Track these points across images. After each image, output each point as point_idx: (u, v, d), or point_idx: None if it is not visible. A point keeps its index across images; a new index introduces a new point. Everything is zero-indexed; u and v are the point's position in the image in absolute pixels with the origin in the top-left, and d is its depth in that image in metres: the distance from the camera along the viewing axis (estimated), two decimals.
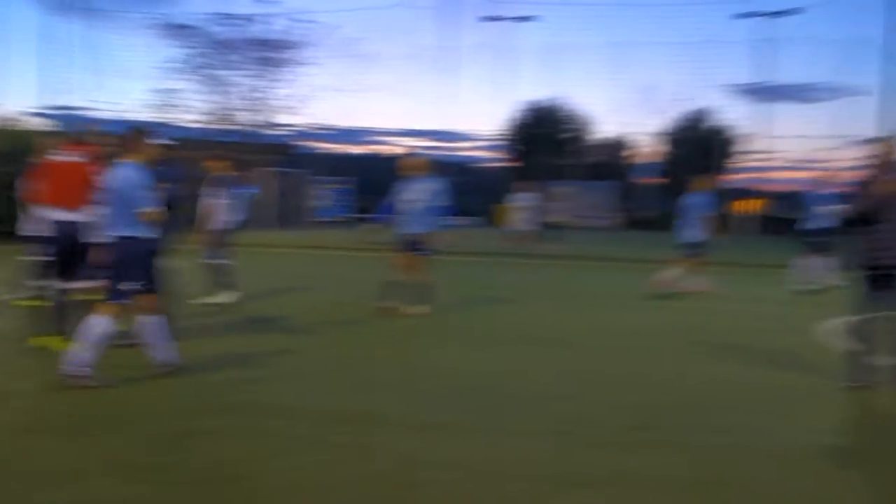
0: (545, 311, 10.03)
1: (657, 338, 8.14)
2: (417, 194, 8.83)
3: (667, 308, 10.52)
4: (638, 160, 45.89)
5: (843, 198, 12.17)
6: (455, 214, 10.64)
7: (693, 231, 11.64)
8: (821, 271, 12.27)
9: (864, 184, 5.91)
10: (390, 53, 56.00)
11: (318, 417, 4.82)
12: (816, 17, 40.89)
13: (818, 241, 12.09)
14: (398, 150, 43.92)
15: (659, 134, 44.91)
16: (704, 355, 7.25)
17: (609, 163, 43.89)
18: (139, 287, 5.43)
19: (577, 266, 17.29)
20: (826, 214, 11.73)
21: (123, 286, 5.36)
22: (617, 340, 7.94)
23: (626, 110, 60.99)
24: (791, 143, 47.67)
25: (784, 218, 31.87)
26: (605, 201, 40.09)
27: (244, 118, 38.50)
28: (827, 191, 12.16)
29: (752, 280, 14.99)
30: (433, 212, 8.85)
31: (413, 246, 8.90)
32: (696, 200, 11.72)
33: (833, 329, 8.55)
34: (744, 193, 45.41)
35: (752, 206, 41.86)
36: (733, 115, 69.09)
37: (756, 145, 41.38)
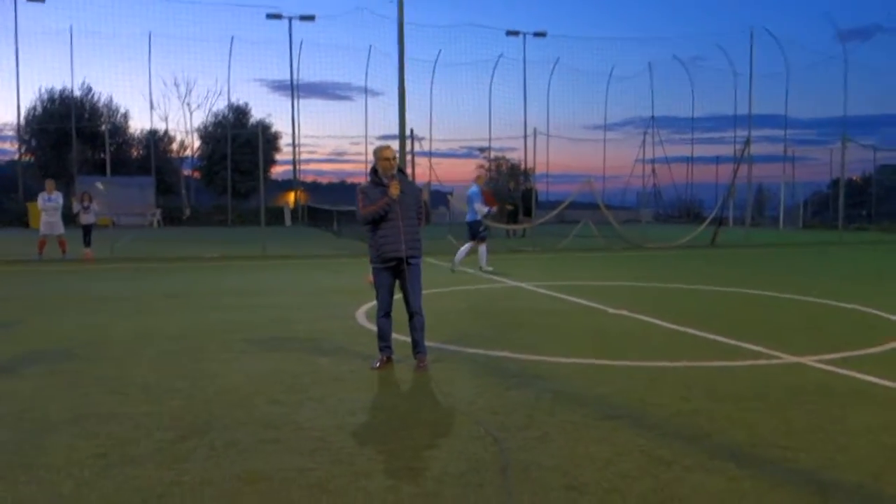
0: (73, 322, 9.16)
1: (199, 339, 8.04)
2: None
3: (212, 308, 10.44)
4: (176, 155, 44.72)
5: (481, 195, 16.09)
6: None
7: None
8: (464, 255, 15.51)
9: (370, 187, 6.59)
10: None
11: None
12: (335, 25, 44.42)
13: (473, 232, 15.51)
14: None
15: (198, 128, 44.39)
16: (249, 352, 7.39)
17: (146, 157, 41.96)
18: None
19: (111, 271, 16.16)
20: (476, 209, 15.39)
21: None
22: (157, 346, 7.63)
23: (163, 104, 58.84)
24: (326, 138, 51.18)
25: (322, 209, 34.18)
26: (143, 197, 38.25)
27: None
28: (478, 189, 15.79)
29: (300, 271, 15.78)
30: None
31: None
32: None
33: (365, 313, 9.49)
34: (287, 186, 47.50)
35: (298, 197, 44.00)
36: (271, 110, 71.67)
37: (295, 139, 43.54)
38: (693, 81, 48.38)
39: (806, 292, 12.05)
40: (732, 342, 7.83)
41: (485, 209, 15.86)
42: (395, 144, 25.04)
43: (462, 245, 16.03)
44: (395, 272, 6.59)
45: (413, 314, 6.62)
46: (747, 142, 26.86)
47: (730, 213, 36.24)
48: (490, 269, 15.55)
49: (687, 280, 13.97)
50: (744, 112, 42.15)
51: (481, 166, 44.06)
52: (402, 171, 6.77)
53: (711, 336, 8.17)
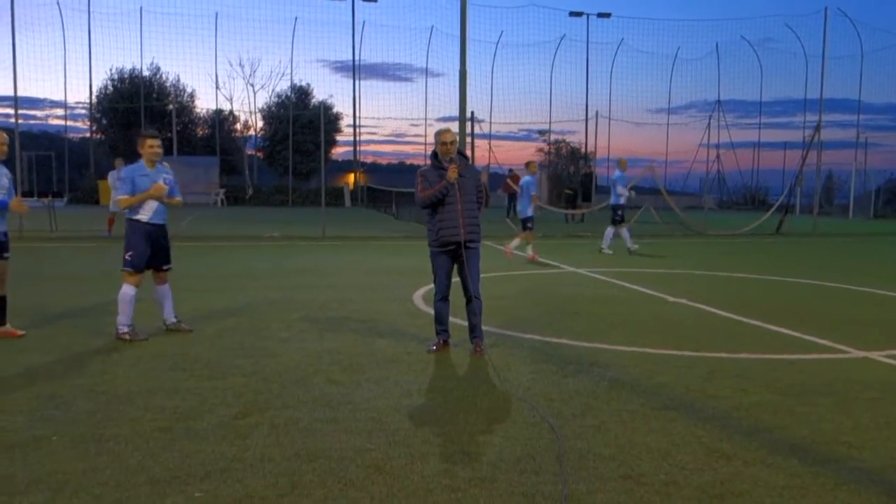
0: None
1: (259, 318, 8.21)
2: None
3: (272, 287, 10.64)
4: (240, 135, 45.52)
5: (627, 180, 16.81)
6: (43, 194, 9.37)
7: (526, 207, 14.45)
8: (614, 239, 16.47)
9: (430, 170, 6.61)
10: None
11: None
12: (397, 5, 44.48)
13: (617, 215, 16.26)
14: None
15: (262, 109, 45.05)
16: (308, 331, 7.51)
17: (211, 137, 42.80)
18: None
19: (176, 249, 16.60)
20: (621, 193, 16.18)
21: None
22: (218, 323, 7.82)
23: (228, 84, 59.86)
24: (387, 119, 51.37)
25: (381, 190, 34.40)
26: (207, 177, 39.06)
27: None
28: (622, 173, 16.43)
29: (358, 252, 15.95)
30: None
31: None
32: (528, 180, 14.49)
33: (422, 296, 9.55)
34: (347, 167, 47.95)
35: (358, 178, 44.40)
36: (333, 91, 72.19)
37: (355, 120, 43.86)
38: (762, 64, 47.00)
39: (874, 284, 11.65)
40: (797, 334, 7.63)
41: (625, 192, 16.23)
42: (454, 126, 25.00)
43: (609, 230, 16.57)
44: (454, 256, 6.60)
45: (471, 298, 6.62)
46: (818, 127, 25.97)
47: (797, 200, 35.21)
48: (610, 251, 16.23)
49: (750, 269, 13.65)
50: (814, 96, 40.71)
51: (540, 150, 43.72)
52: (462, 154, 6.75)
53: (774, 327, 7.97)
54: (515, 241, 14.91)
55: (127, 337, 7.00)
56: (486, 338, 6.81)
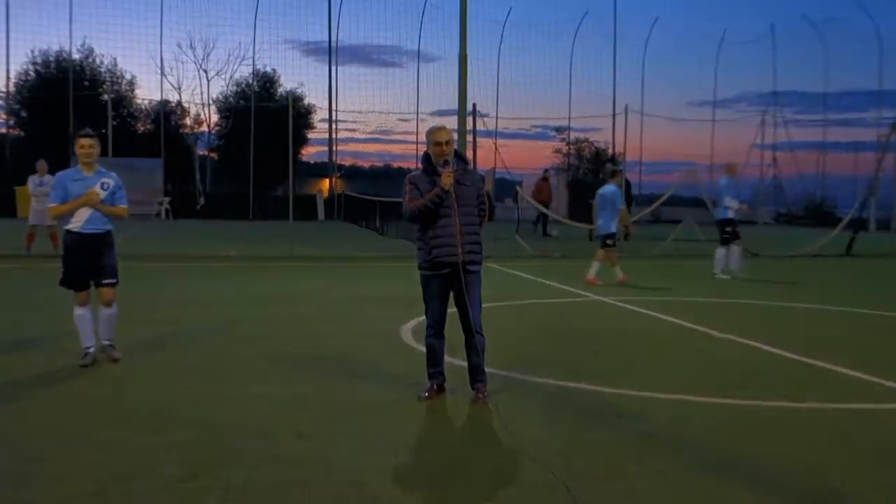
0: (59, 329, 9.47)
1: (212, 357, 8.22)
2: None
3: (228, 319, 10.64)
4: (190, 131, 45.64)
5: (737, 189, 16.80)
6: None
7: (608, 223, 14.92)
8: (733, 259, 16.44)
9: (420, 176, 6.65)
10: None
11: None
12: None
13: (727, 232, 16.30)
14: None
15: (217, 100, 45.19)
16: (272, 373, 7.52)
17: (155, 134, 42.88)
18: None
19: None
20: (726, 203, 16.21)
21: None
22: (160, 363, 7.82)
23: (176, 69, 60.08)
24: (370, 113, 51.51)
25: (363, 200, 34.49)
26: (150, 183, 39.09)
27: None
28: (730, 180, 16.68)
29: (335, 276, 15.96)
30: None
31: None
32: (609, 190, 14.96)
33: (412, 330, 9.56)
34: (320, 171, 48.00)
35: (335, 185, 44.45)
36: (304, 78, 72.28)
37: (331, 114, 44.01)
38: (827, 48, 47.38)
39: None
40: (873, 379, 7.64)
41: (735, 203, 16.34)
42: (452, 123, 25.13)
43: (720, 251, 16.62)
44: (450, 281, 6.60)
45: (471, 334, 6.63)
46: (895, 124, 26.15)
47: (871, 214, 35.33)
48: (725, 276, 16.25)
49: (815, 298, 13.69)
50: (891, 87, 41.07)
51: (557, 151, 43.98)
52: (460, 156, 6.80)
53: (846, 370, 7.99)
54: (595, 266, 15.11)
55: (87, 361, 7.53)
56: (491, 381, 6.82)
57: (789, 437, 5.82)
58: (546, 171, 33.05)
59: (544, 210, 27.47)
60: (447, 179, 6.41)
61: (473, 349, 6.63)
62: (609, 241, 15.07)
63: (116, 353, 7.82)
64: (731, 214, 16.30)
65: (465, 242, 6.49)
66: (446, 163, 6.50)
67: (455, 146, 6.76)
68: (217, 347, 8.66)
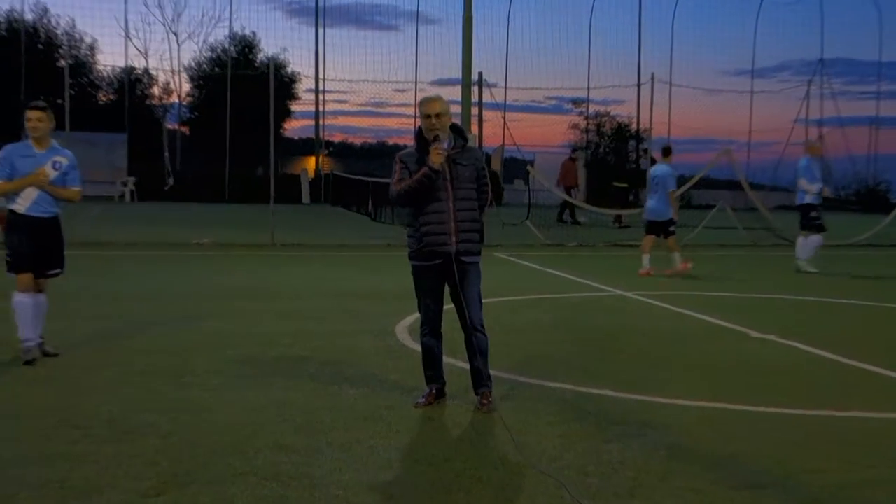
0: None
1: (181, 358, 8.21)
2: None
3: (200, 315, 10.64)
4: (158, 101, 45.55)
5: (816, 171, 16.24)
6: None
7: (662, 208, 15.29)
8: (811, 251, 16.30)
9: (411, 155, 6.59)
10: None
11: None
12: None
13: (811, 219, 16.16)
14: None
15: (189, 67, 45.10)
16: (249, 377, 7.52)
17: (118, 105, 42.80)
18: None
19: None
20: (802, 186, 16.12)
21: None
22: (124, 365, 7.82)
23: (142, 32, 59.97)
24: (362, 83, 51.25)
25: (353, 180, 34.46)
26: (112, 160, 39.02)
27: None
28: (812, 161, 16.33)
29: (321, 267, 15.96)
30: None
31: None
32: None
33: (409, 328, 9.56)
34: (306, 148, 47.93)
35: (322, 163, 44.40)
36: (287, 43, 72.09)
37: (318, 84, 43.90)
38: (881, 11, 47.24)
39: None
40: None
41: (814, 187, 16.16)
42: (455, 93, 25.06)
43: (800, 239, 16.56)
44: (443, 273, 6.57)
45: (471, 332, 6.62)
46: None
47: None
48: (810, 269, 16.11)
49: (865, 294, 13.68)
50: None
51: (575, 126, 43.91)
52: (458, 130, 6.73)
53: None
54: (677, 258, 15.39)
55: (32, 356, 7.58)
56: (497, 386, 6.82)
57: (834, 450, 5.80)
58: (574, 150, 33.03)
59: (566, 197, 27.43)
60: (436, 158, 6.33)
61: (473, 350, 6.61)
62: (671, 229, 15.42)
63: (52, 349, 7.93)
64: (809, 199, 16.16)
65: (459, 230, 6.45)
66: (437, 138, 6.42)
67: (451, 120, 6.68)
68: (187, 347, 8.65)
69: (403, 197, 6.52)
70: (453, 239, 6.44)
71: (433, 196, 6.45)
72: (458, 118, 22.30)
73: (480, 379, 6.66)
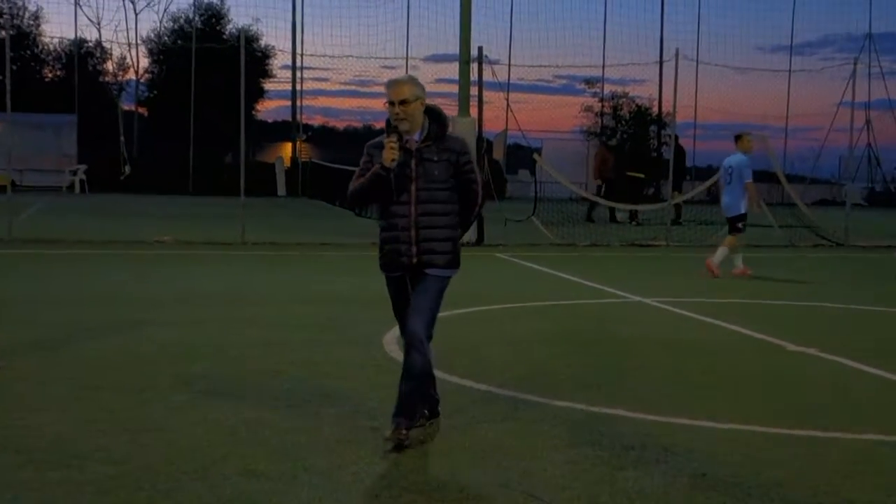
0: None
1: (138, 371, 8.21)
2: None
3: (159, 323, 10.65)
4: (113, 79, 45.49)
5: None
6: None
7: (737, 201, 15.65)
8: None
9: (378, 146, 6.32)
10: None
11: None
12: None
13: None
14: None
15: (147, 40, 45.04)
16: (215, 393, 7.54)
17: (66, 82, 42.72)
18: None
19: (7, 258, 16.59)
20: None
21: None
22: (71, 380, 7.82)
23: (94, 0, 59.89)
24: (346, 59, 51.03)
25: (335, 170, 34.43)
26: (60, 146, 38.92)
27: None
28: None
29: (298, 268, 15.95)
30: None
31: None
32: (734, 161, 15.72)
33: (398, 339, 9.53)
34: (281, 132, 47.88)
35: (299, 150, 44.34)
36: (260, 13, 72.05)
37: (295, 60, 43.88)
38: None
39: None
40: None
41: None
42: (452, 70, 25.01)
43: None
44: (405, 287, 6.39)
45: (408, 344, 6.32)
46: None
47: None
48: None
49: None
50: None
51: (588, 109, 43.91)
52: (437, 116, 6.38)
53: None
54: (721, 252, 15.55)
55: None
56: (497, 405, 6.82)
57: (881, 479, 5.82)
58: (604, 139, 33.00)
59: (585, 194, 27.42)
60: (388, 154, 6.06)
61: (406, 369, 6.29)
62: (739, 225, 15.65)
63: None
64: None
65: (421, 239, 6.18)
66: (394, 129, 6.14)
67: (423, 105, 6.29)
68: (146, 359, 8.66)
69: (354, 197, 6.43)
70: (414, 249, 6.18)
71: (395, 198, 6.20)
72: (456, 99, 22.30)
73: (400, 407, 6.26)
